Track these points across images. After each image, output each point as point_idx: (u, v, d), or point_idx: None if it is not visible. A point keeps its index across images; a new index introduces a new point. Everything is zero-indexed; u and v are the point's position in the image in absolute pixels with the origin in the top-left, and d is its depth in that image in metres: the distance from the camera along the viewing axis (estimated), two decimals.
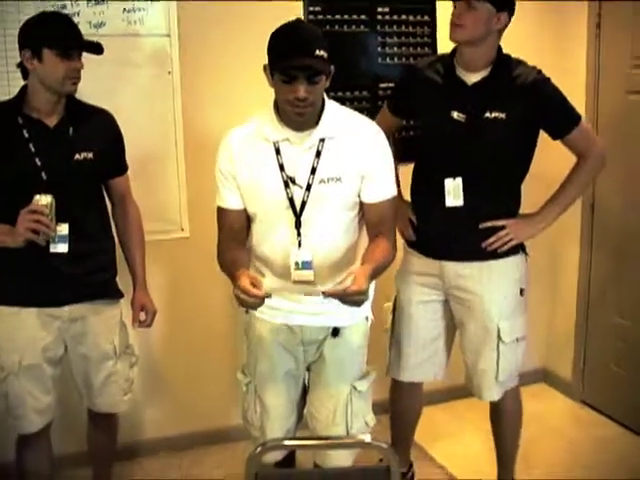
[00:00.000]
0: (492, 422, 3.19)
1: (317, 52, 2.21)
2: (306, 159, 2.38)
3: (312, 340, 2.59)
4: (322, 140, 2.38)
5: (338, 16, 3.51)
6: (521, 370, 3.75)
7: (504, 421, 3.14)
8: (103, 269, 2.80)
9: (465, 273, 2.89)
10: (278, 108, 2.37)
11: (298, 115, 2.29)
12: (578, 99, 3.85)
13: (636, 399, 3.82)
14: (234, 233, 2.52)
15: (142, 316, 2.91)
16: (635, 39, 3.64)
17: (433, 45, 3.74)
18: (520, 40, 3.85)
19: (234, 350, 3.32)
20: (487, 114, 2.73)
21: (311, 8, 3.51)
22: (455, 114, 2.76)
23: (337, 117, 2.42)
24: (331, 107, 2.43)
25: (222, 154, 2.48)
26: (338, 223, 2.45)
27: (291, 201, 2.39)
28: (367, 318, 2.66)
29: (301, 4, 3.50)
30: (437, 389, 3.66)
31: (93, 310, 2.75)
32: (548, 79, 2.78)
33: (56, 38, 2.51)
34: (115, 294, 2.86)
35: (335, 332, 2.56)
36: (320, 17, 3.46)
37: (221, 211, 2.53)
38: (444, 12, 3.48)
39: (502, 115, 2.72)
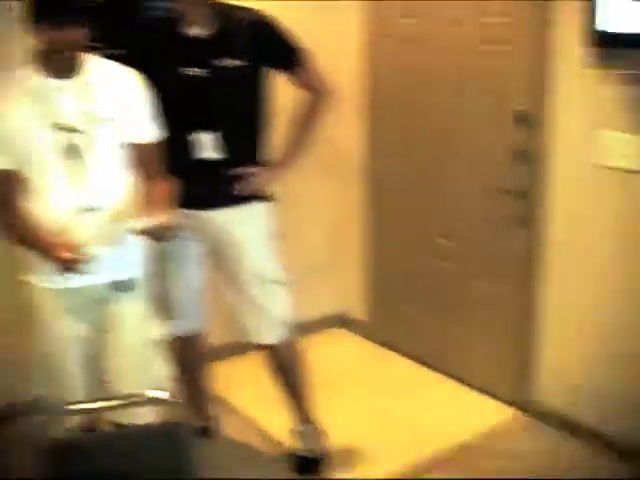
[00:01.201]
0: (275, 373, 3.21)
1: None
2: (73, 104, 2.40)
3: (94, 299, 2.58)
4: (87, 84, 2.42)
5: None
6: (319, 316, 3.91)
7: (290, 368, 3.20)
8: None
9: (223, 219, 2.96)
10: (39, 59, 2.39)
11: (58, 61, 2.37)
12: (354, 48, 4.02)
13: (425, 335, 4.09)
14: (4, 197, 2.46)
15: None
16: None
17: None
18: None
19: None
20: (222, 63, 2.79)
21: None
22: (191, 70, 2.79)
23: (98, 65, 2.49)
24: (90, 57, 2.48)
25: None
26: (116, 164, 2.51)
27: (68, 147, 2.40)
28: (143, 269, 2.71)
29: None
30: (234, 342, 3.71)
31: None
32: (270, 18, 2.87)
33: None
34: None
35: (119, 287, 2.58)
36: None
37: None
38: None
39: (236, 62, 2.79)
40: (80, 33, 2.32)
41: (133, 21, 3.24)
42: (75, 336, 2.60)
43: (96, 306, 2.60)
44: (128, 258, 2.56)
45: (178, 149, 2.81)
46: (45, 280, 2.52)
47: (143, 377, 2.61)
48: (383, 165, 4.16)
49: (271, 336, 3.09)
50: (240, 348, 3.66)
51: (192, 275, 3.12)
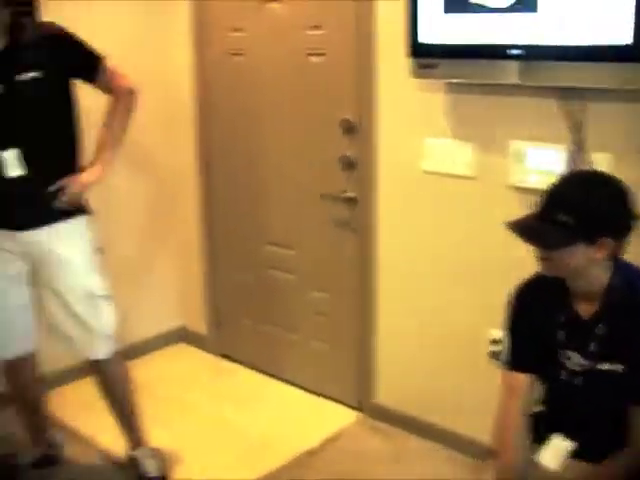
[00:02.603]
0: (102, 389, 3.17)
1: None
2: None
3: None
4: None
5: None
6: (158, 332, 3.83)
7: (116, 384, 3.17)
8: None
9: (42, 239, 2.89)
10: None
11: None
12: (185, 65, 4.02)
13: (267, 344, 4.13)
14: None
15: None
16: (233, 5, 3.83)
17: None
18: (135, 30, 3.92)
19: None
20: (17, 78, 2.72)
21: None
22: None
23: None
24: None
25: None
26: None
27: None
28: None
29: None
30: (74, 365, 3.60)
31: None
32: (64, 29, 2.85)
33: None
34: None
35: None
36: None
37: None
38: None
39: (30, 75, 2.73)
40: None
41: None
42: None
43: None
44: None
45: None
46: None
47: None
48: (216, 176, 4.16)
49: (97, 351, 3.05)
50: (80, 371, 3.56)
51: (16, 294, 3.00)
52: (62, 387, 3.84)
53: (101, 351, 3.05)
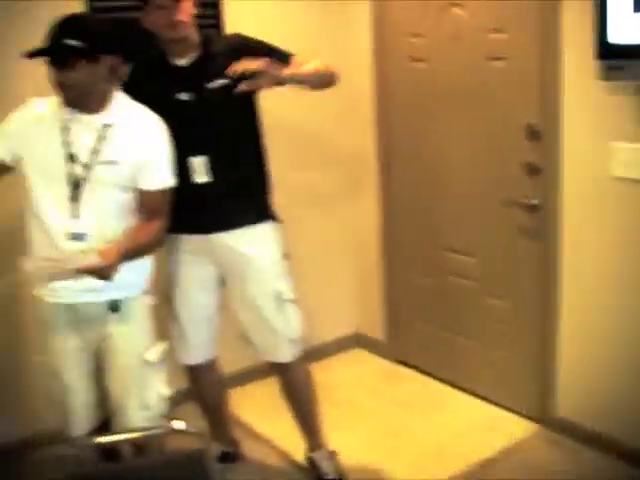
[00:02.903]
0: (285, 392, 3.24)
1: (65, 41, 2.36)
2: (89, 140, 2.51)
3: (93, 316, 2.65)
4: (106, 125, 2.52)
5: (122, 2, 3.42)
6: (336, 337, 3.88)
7: (299, 386, 3.22)
8: None
9: (231, 243, 2.97)
10: None
11: (63, 100, 2.49)
12: (365, 67, 4.04)
13: (445, 351, 4.07)
14: None
15: None
16: (413, 9, 3.81)
17: (219, 26, 3.74)
18: (314, 27, 4.01)
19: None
20: (206, 86, 2.86)
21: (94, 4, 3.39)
22: (182, 95, 2.86)
23: (124, 108, 2.59)
24: (121, 98, 2.60)
25: (20, 112, 2.58)
26: (114, 203, 2.58)
27: (71, 176, 2.51)
28: (146, 292, 2.75)
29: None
30: (255, 366, 3.70)
31: None
32: (249, 36, 2.95)
33: None
34: None
35: (114, 307, 2.63)
36: (105, 4, 3.37)
37: None
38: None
39: (219, 82, 2.84)
40: (83, 73, 2.41)
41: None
42: (74, 351, 2.67)
43: (93, 324, 2.65)
44: (126, 280, 2.58)
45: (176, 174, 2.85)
46: (50, 295, 2.62)
47: (139, 397, 2.67)
48: (396, 183, 4.16)
49: (283, 354, 3.11)
50: (261, 372, 3.66)
51: (204, 299, 3.11)
52: (244, 387, 3.96)
53: (287, 354, 3.11)
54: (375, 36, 4.06)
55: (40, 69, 2.44)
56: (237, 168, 2.96)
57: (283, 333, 3.07)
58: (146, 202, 2.62)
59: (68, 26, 2.41)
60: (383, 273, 4.36)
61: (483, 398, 3.86)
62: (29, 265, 2.39)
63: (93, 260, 2.36)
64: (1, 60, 3.12)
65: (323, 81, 2.98)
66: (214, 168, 2.89)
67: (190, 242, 3.01)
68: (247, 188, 3.00)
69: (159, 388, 2.72)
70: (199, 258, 3.03)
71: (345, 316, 4.52)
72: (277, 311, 3.04)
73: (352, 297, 4.54)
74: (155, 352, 2.72)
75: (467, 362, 3.96)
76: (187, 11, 2.81)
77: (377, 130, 4.18)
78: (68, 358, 2.68)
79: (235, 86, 2.74)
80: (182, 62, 2.89)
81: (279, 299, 3.03)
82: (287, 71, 2.83)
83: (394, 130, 4.11)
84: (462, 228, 3.84)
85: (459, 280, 3.91)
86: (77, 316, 2.64)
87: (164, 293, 3.08)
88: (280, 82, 2.83)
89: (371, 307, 4.48)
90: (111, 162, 2.52)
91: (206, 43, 2.92)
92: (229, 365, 3.47)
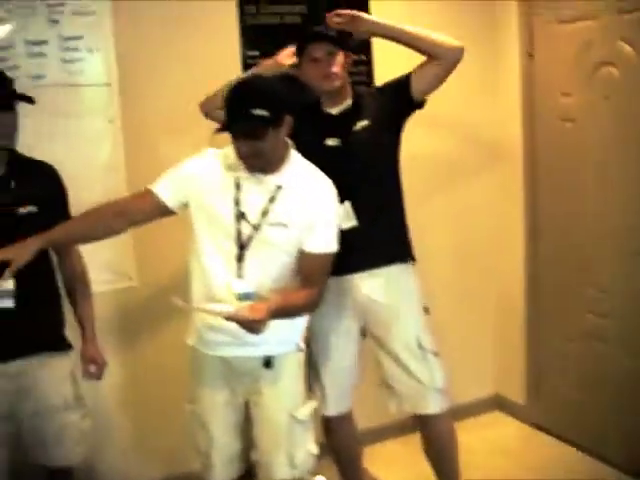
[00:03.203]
0: (428, 446, 3.18)
1: (253, 112, 2.36)
2: (261, 200, 2.53)
3: (245, 371, 2.67)
4: (279, 187, 2.53)
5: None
6: (474, 398, 3.80)
7: (443, 441, 3.16)
8: (51, 322, 2.79)
9: (367, 286, 3.00)
10: None
11: (248, 167, 2.50)
12: (514, 126, 4.00)
13: (589, 419, 3.89)
14: (131, 210, 2.64)
15: (92, 368, 2.90)
16: (563, 68, 3.77)
17: (369, 83, 3.81)
18: (458, 71, 4.03)
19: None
20: (353, 129, 2.94)
21: (248, 52, 3.57)
22: (329, 141, 2.94)
23: (297, 169, 2.60)
24: (294, 158, 2.61)
25: (195, 158, 2.63)
26: (278, 265, 2.58)
27: (239, 235, 2.52)
28: (299, 347, 2.75)
29: (238, 49, 3.57)
30: (392, 422, 3.67)
31: (41, 364, 2.72)
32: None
33: None
34: (64, 347, 2.84)
35: (267, 362, 2.64)
36: (258, 61, 3.50)
37: (146, 192, 2.63)
38: (380, 50, 3.60)
39: (364, 123, 2.94)
40: (271, 140, 2.44)
41: None
42: (223, 404, 2.70)
43: (245, 378, 2.68)
44: (281, 336, 2.61)
45: None
46: (204, 346, 2.68)
47: (288, 454, 2.66)
48: (543, 243, 4.09)
49: (430, 406, 3.06)
50: (396, 429, 3.62)
51: (343, 350, 3.12)
52: (381, 443, 3.94)
53: (432, 406, 3.06)
54: (524, 94, 4.04)
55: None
56: (381, 210, 3.01)
57: (429, 383, 3.02)
58: (307, 265, 2.59)
59: (249, 95, 2.41)
60: (526, 334, 4.25)
61: (628, 472, 3.64)
62: (181, 304, 2.41)
63: (243, 314, 2.36)
64: None
65: (435, 47, 2.90)
66: (359, 212, 2.94)
67: (333, 286, 2.99)
68: (390, 228, 3.05)
69: (308, 446, 2.72)
70: (340, 311, 3.05)
71: (484, 376, 4.42)
72: (421, 361, 3.01)
73: (492, 356, 4.45)
74: (305, 410, 2.72)
75: (613, 433, 3.77)
76: (340, 64, 2.91)
77: (524, 186, 4.13)
78: (217, 411, 2.71)
79: (377, 127, 2.89)
80: (333, 111, 3.00)
81: (421, 348, 3.01)
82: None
83: (543, 193, 4.05)
84: (609, 291, 3.71)
85: (602, 345, 3.76)
86: (230, 369, 2.67)
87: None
88: (377, 31, 2.97)
89: (512, 368, 4.36)
90: (280, 224, 2.52)
91: (357, 94, 3.03)
92: (364, 421, 3.45)
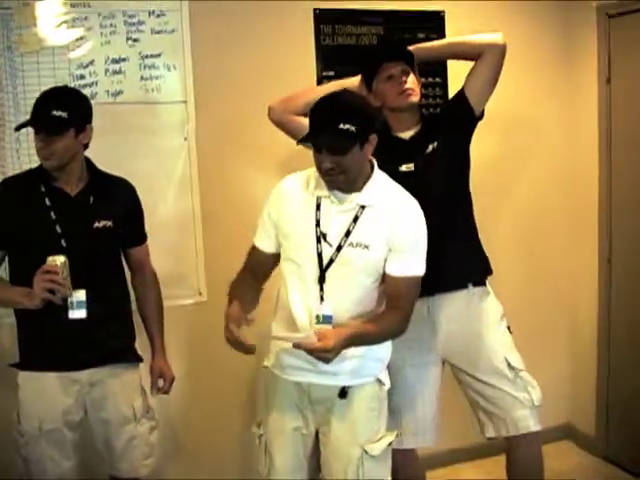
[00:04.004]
0: (513, 472, 3.07)
1: (341, 126, 2.29)
2: (342, 220, 2.47)
3: (320, 399, 2.59)
4: (362, 207, 2.47)
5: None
6: (545, 425, 3.72)
7: (531, 466, 3.05)
8: (122, 334, 2.83)
9: (449, 308, 2.96)
10: None
11: (330, 182, 2.42)
12: (591, 151, 3.94)
13: None
14: (255, 271, 2.65)
15: (160, 382, 2.93)
16: None
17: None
18: (533, 95, 4.00)
19: (252, 414, 3.29)
20: (426, 150, 2.94)
21: (324, 73, 3.61)
22: (404, 167, 2.92)
23: (381, 188, 2.52)
24: (378, 178, 2.53)
25: (271, 199, 2.60)
26: (360, 287, 2.50)
27: (319, 256, 2.47)
28: (380, 381, 2.65)
29: (314, 69, 3.60)
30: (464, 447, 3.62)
31: (112, 374, 2.76)
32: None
33: (29, 120, 2.59)
34: (134, 359, 2.88)
35: (343, 393, 2.56)
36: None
37: (253, 248, 2.66)
38: (454, 73, 3.58)
39: (436, 143, 2.94)
40: (355, 156, 2.37)
41: None
42: (292, 431, 2.63)
43: (320, 406, 2.61)
44: (361, 367, 2.55)
45: None
46: (280, 370, 2.63)
47: None
48: (618, 276, 4.00)
49: (530, 425, 2.97)
50: (461, 454, 3.57)
51: (430, 383, 3.06)
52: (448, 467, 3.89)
53: (533, 423, 2.97)
54: (600, 120, 3.97)
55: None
56: (457, 233, 2.98)
57: (527, 402, 2.95)
58: (392, 289, 2.50)
59: (338, 109, 2.35)
60: (597, 364, 4.16)
61: None
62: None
63: (311, 341, 2.27)
64: None
65: (474, 47, 2.93)
66: (436, 237, 2.84)
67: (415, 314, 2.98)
68: (468, 250, 3.02)
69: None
70: (419, 342, 2.98)
71: (556, 405, 4.30)
72: (514, 381, 2.95)
73: (565, 384, 4.34)
74: (380, 445, 2.60)
75: None
76: (414, 81, 2.93)
77: (599, 215, 4.06)
78: (284, 438, 2.64)
79: (446, 147, 2.92)
80: (405, 135, 2.99)
81: (512, 369, 2.95)
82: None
83: (616, 218, 3.97)
84: None
85: None
86: (304, 396, 2.61)
87: None
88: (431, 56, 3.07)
89: (584, 398, 4.27)
90: (361, 245, 2.45)
91: (426, 118, 3.04)
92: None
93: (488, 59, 2.91)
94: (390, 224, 2.46)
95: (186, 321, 3.45)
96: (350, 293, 2.49)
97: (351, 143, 2.34)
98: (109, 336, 2.73)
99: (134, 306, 2.95)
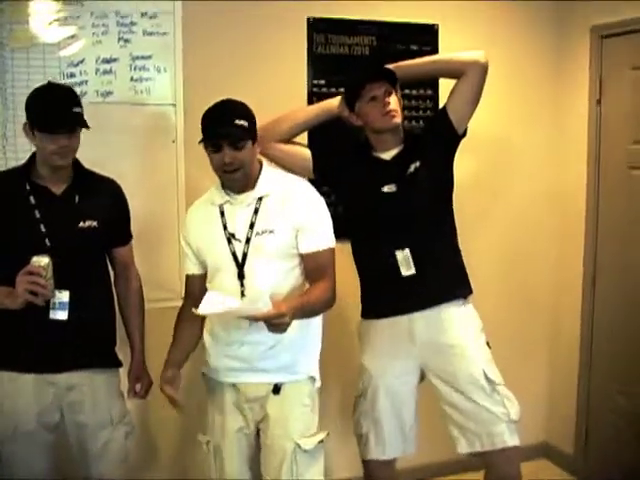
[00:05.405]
0: None
1: (237, 122, 2.54)
2: (245, 216, 2.65)
3: (255, 397, 2.71)
4: (260, 198, 2.66)
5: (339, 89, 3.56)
6: (522, 444, 3.72)
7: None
8: (103, 338, 2.80)
9: (435, 327, 2.95)
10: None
11: (230, 179, 2.62)
12: (579, 170, 3.95)
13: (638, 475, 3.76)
14: (195, 296, 2.71)
15: (137, 387, 2.91)
16: (633, 116, 3.71)
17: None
18: (523, 114, 4.01)
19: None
20: (409, 170, 2.94)
21: (315, 81, 3.61)
22: (386, 188, 2.92)
23: (272, 179, 2.71)
24: (267, 170, 2.73)
25: (184, 229, 2.83)
26: (277, 272, 2.65)
27: (234, 255, 2.64)
28: (312, 378, 2.77)
29: (305, 77, 3.59)
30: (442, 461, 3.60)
31: (91, 378, 2.73)
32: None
33: (41, 118, 2.53)
34: (114, 363, 2.85)
35: (276, 389, 2.69)
36: (324, 90, 3.52)
37: (187, 279, 2.86)
38: (446, 85, 3.58)
39: (418, 163, 2.93)
40: (242, 155, 2.56)
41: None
42: (237, 430, 2.75)
43: (256, 404, 2.72)
44: (292, 363, 2.69)
45: (381, 265, 2.95)
46: (215, 374, 2.77)
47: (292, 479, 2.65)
48: (601, 293, 4.01)
49: (505, 439, 2.93)
50: (438, 468, 3.55)
51: (404, 393, 3.04)
52: None
53: (509, 438, 2.94)
54: (590, 140, 3.98)
55: None
56: (440, 252, 2.98)
57: (503, 415, 2.93)
58: (310, 266, 2.68)
59: (232, 108, 2.59)
60: (578, 382, 4.15)
61: None
62: (204, 308, 2.42)
63: (266, 308, 2.37)
64: None
65: (456, 64, 2.95)
66: (418, 257, 2.92)
67: (388, 327, 2.99)
68: (449, 268, 3.01)
69: (314, 477, 2.69)
70: (397, 352, 2.99)
71: (534, 422, 4.29)
72: (491, 394, 2.93)
73: (543, 401, 4.35)
74: (313, 440, 2.70)
75: None
76: (397, 102, 2.93)
77: (585, 231, 4.06)
78: (230, 439, 2.74)
79: (429, 166, 2.93)
80: (386, 156, 2.99)
81: (490, 382, 2.93)
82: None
83: (602, 234, 3.98)
84: None
85: None
86: (241, 396, 2.72)
87: (355, 384, 3.10)
88: (412, 73, 3.05)
89: (562, 416, 4.26)
90: (267, 231, 2.62)
91: (407, 137, 3.02)
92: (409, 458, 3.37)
93: (470, 77, 2.91)
94: (289, 207, 2.65)
95: (167, 325, 3.40)
96: (269, 280, 2.62)
97: (247, 136, 2.56)
98: (90, 339, 2.71)
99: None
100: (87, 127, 2.59)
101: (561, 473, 4.24)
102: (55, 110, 2.53)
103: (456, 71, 2.94)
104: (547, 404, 4.37)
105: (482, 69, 2.91)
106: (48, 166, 2.61)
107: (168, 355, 2.75)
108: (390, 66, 2.98)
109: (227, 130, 2.54)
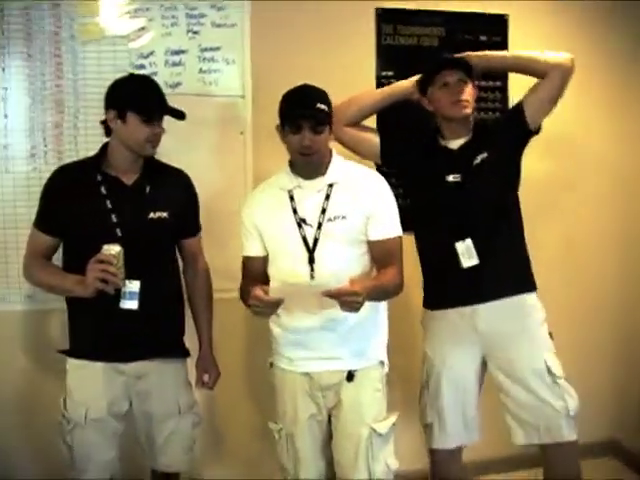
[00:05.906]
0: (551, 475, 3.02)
1: (318, 105, 2.57)
2: (316, 201, 2.67)
3: (329, 385, 2.73)
4: (330, 185, 2.68)
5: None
6: (588, 440, 3.68)
7: (569, 473, 2.98)
8: (172, 328, 2.83)
9: (488, 314, 2.93)
10: (292, 164, 2.73)
11: (306, 162, 2.64)
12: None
13: None
14: (255, 279, 2.73)
15: (205, 377, 2.92)
16: None
17: (504, 109, 3.74)
18: (599, 109, 3.93)
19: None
20: (475, 161, 2.91)
21: (383, 72, 3.59)
22: (451, 177, 2.91)
23: (343, 167, 2.73)
24: (338, 158, 2.75)
25: (245, 211, 2.81)
26: (347, 258, 2.67)
27: (304, 240, 2.65)
28: (382, 363, 2.79)
29: (373, 68, 3.58)
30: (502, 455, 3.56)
31: (160, 368, 2.76)
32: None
33: (142, 103, 2.59)
34: (182, 353, 2.87)
35: (350, 376, 2.71)
36: (392, 81, 3.49)
37: (245, 261, 2.84)
38: (515, 77, 3.52)
39: (485, 154, 2.91)
40: (320, 139, 2.58)
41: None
42: (309, 418, 2.76)
43: (329, 392, 2.74)
44: (363, 350, 2.72)
45: (441, 255, 2.95)
46: (286, 363, 2.78)
47: (367, 469, 2.69)
48: None
49: (563, 434, 2.91)
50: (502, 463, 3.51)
51: (473, 381, 3.04)
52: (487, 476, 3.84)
53: (567, 433, 2.92)
54: None
55: None
56: (503, 244, 2.95)
57: (562, 409, 2.90)
58: (379, 253, 2.70)
59: (314, 93, 2.62)
60: None
61: None
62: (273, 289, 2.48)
63: (343, 287, 2.39)
64: None
65: (541, 64, 2.91)
66: (481, 248, 2.89)
67: (453, 317, 2.98)
68: (512, 261, 2.98)
69: (388, 460, 2.74)
70: (461, 340, 2.98)
71: (599, 419, 4.21)
72: (552, 387, 2.90)
73: (610, 398, 4.24)
74: (386, 423, 2.73)
75: None
76: (470, 93, 2.90)
77: None
78: (302, 426, 2.76)
79: (496, 159, 2.89)
80: (453, 145, 2.97)
81: (552, 374, 2.90)
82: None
83: None
84: None
85: None
86: (314, 385, 2.74)
87: (420, 373, 3.09)
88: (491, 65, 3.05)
89: (630, 412, 4.18)
90: (340, 217, 2.64)
91: (477, 127, 2.99)
92: (471, 453, 3.34)
93: (554, 79, 2.88)
94: (360, 195, 2.67)
95: (237, 315, 3.41)
96: (339, 266, 2.63)
97: (326, 121, 2.60)
98: (159, 329, 2.73)
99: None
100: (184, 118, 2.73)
101: (629, 472, 4.15)
102: (159, 99, 2.66)
103: (540, 71, 2.90)
104: (614, 399, 4.26)
105: (567, 73, 2.89)
106: (127, 155, 2.66)
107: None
108: (472, 54, 2.97)
109: (310, 112, 2.56)
